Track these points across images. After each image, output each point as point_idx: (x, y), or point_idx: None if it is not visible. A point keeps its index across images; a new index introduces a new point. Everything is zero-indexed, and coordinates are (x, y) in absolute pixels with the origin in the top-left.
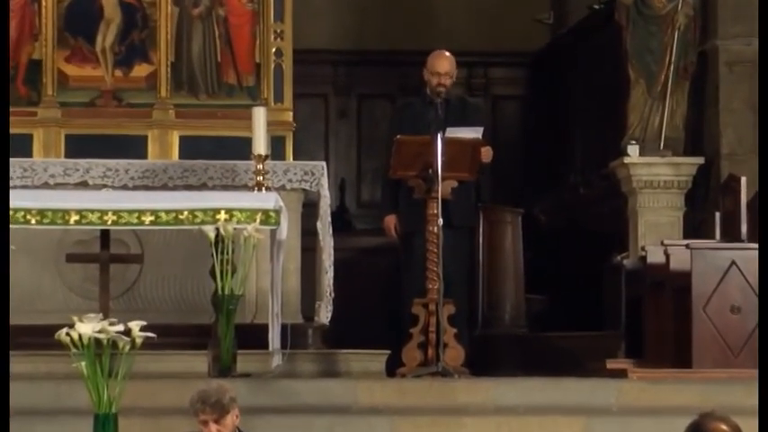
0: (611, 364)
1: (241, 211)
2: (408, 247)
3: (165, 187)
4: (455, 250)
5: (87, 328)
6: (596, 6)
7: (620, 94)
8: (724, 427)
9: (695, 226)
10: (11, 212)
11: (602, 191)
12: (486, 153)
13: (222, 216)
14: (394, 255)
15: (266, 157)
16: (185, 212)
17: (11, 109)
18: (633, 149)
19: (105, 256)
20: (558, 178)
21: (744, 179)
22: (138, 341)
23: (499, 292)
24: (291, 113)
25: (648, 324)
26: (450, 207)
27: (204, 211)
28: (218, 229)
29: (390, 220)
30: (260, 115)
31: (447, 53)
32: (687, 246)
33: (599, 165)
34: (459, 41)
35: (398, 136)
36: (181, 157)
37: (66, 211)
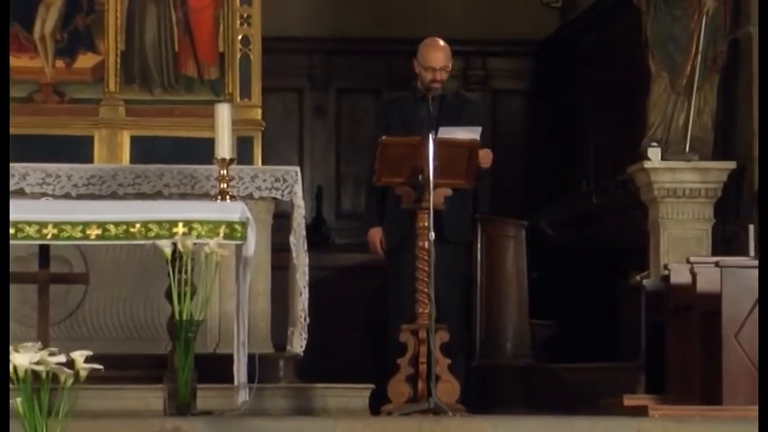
0: (630, 401)
1: (202, 223)
2: (395, 265)
3: (113, 196)
4: (449, 268)
5: (23, 359)
6: None
7: (640, 88)
8: None
9: (726, 240)
10: None
11: (619, 200)
12: (485, 156)
13: (180, 229)
14: (379, 274)
15: (231, 161)
16: (137, 225)
17: None
18: (654, 152)
19: (44, 276)
20: (567, 186)
21: None
22: (83, 374)
23: (500, 316)
24: (260, 111)
25: (672, 354)
26: (443, 219)
27: (159, 223)
28: (174, 245)
29: (375, 234)
30: (224, 113)
31: (442, 42)
32: (716, 263)
33: (615, 170)
34: (454, 27)
35: (384, 137)
36: (132, 160)
37: None
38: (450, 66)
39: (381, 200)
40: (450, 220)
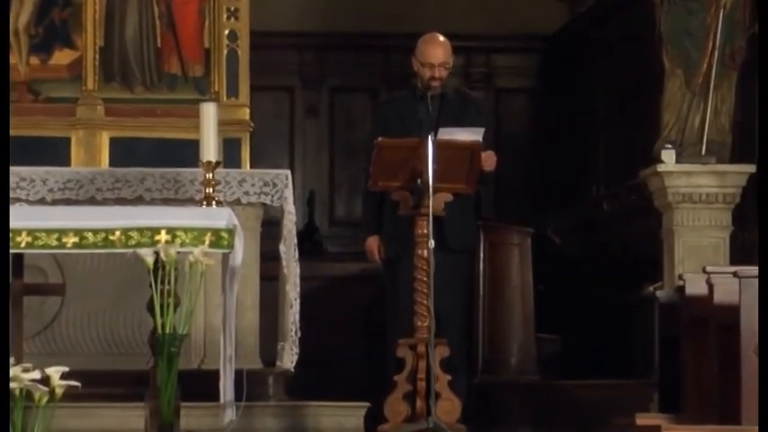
0: (642, 420)
1: (186, 230)
2: (393, 276)
3: (92, 201)
4: (450, 279)
5: None
6: None
7: (653, 86)
8: None
9: (745, 249)
10: None
11: (631, 206)
12: (488, 159)
13: (162, 237)
14: (375, 284)
15: (217, 164)
16: (117, 233)
17: None
18: (668, 155)
19: (18, 287)
20: (576, 191)
21: None
22: (59, 391)
23: (504, 330)
24: (248, 110)
25: (687, 370)
26: (444, 226)
27: (140, 230)
28: (157, 254)
29: (373, 243)
30: (209, 113)
31: (441, 38)
32: (735, 273)
33: (627, 174)
34: (454, 21)
35: (380, 138)
36: (112, 163)
37: None
38: (451, 62)
39: (380, 206)
40: (452, 227)
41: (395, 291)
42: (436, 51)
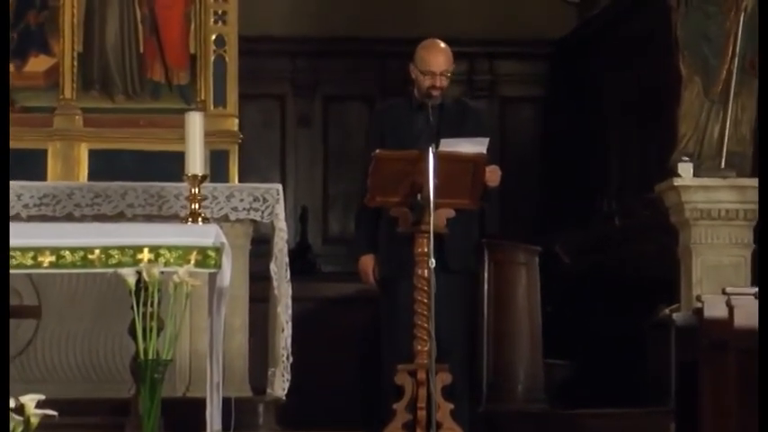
0: None
1: (170, 249)
2: (390, 298)
3: (69, 218)
4: (451, 300)
5: None
6: None
7: (669, 95)
8: None
9: None
10: None
11: (645, 223)
12: (493, 173)
13: (145, 256)
14: (372, 306)
15: (203, 178)
16: (96, 251)
17: None
18: (686, 168)
19: None
20: (586, 206)
21: None
22: (34, 421)
23: (510, 355)
24: (237, 121)
25: (706, 398)
26: (445, 244)
27: (121, 249)
28: (139, 274)
29: (367, 262)
30: (195, 123)
31: (442, 44)
32: (756, 295)
33: (641, 188)
34: (457, 25)
35: (377, 150)
36: (91, 177)
37: None
38: (452, 70)
39: (375, 222)
40: (453, 245)
41: (392, 313)
42: (437, 59)
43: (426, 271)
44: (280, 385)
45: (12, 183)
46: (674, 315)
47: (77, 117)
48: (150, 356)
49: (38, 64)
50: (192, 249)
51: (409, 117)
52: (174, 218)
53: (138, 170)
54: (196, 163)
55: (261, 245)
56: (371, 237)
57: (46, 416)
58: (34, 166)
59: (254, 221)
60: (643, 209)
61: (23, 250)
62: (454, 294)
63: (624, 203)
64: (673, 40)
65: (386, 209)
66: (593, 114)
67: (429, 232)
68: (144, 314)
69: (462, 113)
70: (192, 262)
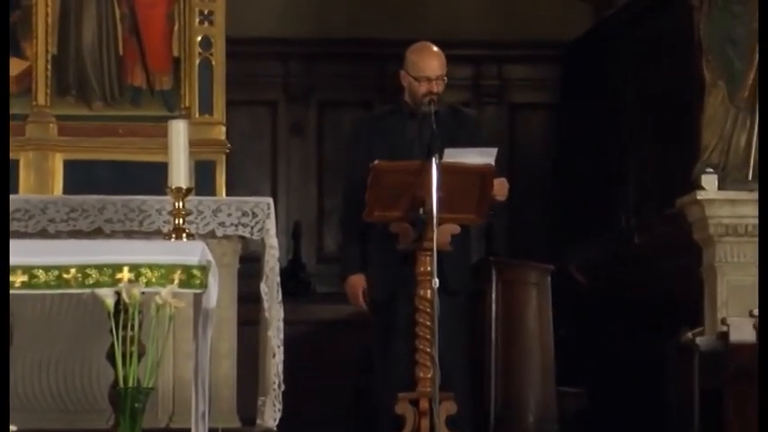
0: None
1: (152, 267)
2: (385, 322)
3: (43, 234)
4: (451, 324)
5: None
6: None
7: (692, 101)
8: None
9: None
10: None
11: (666, 239)
12: (500, 188)
13: (125, 275)
14: (370, 330)
15: (188, 191)
16: (72, 270)
17: None
18: (710, 180)
19: None
20: (602, 222)
21: None
22: None
23: (519, 382)
24: (224, 129)
25: (731, 428)
26: (443, 263)
27: (99, 268)
28: (118, 295)
29: (357, 283)
30: (179, 132)
31: (434, 47)
32: None
33: (661, 203)
34: (462, 26)
35: (376, 161)
36: (66, 190)
37: None
38: (446, 75)
39: (363, 239)
40: (451, 264)
41: (386, 339)
42: (431, 63)
43: (429, 291)
44: (270, 415)
45: None
46: (698, 339)
47: (52, 125)
48: (130, 384)
49: (9, 68)
50: (175, 268)
51: (400, 126)
52: (156, 234)
53: (118, 182)
54: (180, 175)
55: (250, 263)
56: (361, 254)
57: None
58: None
59: (242, 238)
60: (663, 225)
61: None
62: (454, 317)
63: (643, 219)
64: (695, 42)
65: (377, 224)
66: (610, 122)
67: (432, 250)
68: (124, 338)
69: (456, 121)
70: (176, 282)
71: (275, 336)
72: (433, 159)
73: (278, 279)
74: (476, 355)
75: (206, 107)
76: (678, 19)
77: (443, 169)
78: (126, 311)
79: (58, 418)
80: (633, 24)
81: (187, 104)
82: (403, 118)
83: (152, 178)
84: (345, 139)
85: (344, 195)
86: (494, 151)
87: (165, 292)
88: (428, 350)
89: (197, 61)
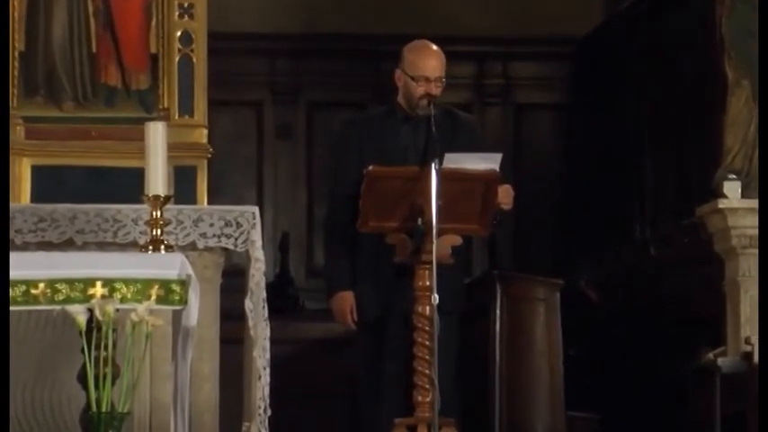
0: None
1: (127, 282)
2: (376, 342)
3: (9, 246)
4: (443, 345)
5: None
6: None
7: (713, 102)
8: None
9: None
10: None
11: (685, 252)
12: (505, 195)
13: (98, 291)
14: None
15: (167, 199)
16: (40, 285)
17: None
18: (732, 187)
19: None
20: (616, 232)
21: None
22: None
23: (526, 407)
24: (206, 132)
25: None
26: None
27: (70, 282)
28: (91, 311)
29: (345, 301)
30: (157, 135)
31: (434, 46)
32: None
33: (680, 211)
34: (464, 22)
35: (371, 167)
36: (34, 198)
37: None
38: (445, 76)
39: (351, 251)
40: (446, 281)
41: (376, 361)
42: (430, 62)
43: (428, 308)
44: None
45: None
46: (719, 360)
47: (18, 128)
48: (104, 408)
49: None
50: (152, 283)
51: (393, 130)
52: (131, 246)
53: (90, 190)
54: (158, 181)
55: (234, 278)
56: (350, 269)
57: None
58: None
59: (225, 250)
60: (682, 236)
61: None
62: (450, 337)
63: (660, 229)
64: (717, 37)
65: (367, 235)
66: (623, 124)
67: (431, 263)
68: (96, 359)
69: (453, 125)
70: (153, 298)
71: (261, 356)
72: (433, 165)
73: (264, 295)
74: (478, 376)
75: (186, 108)
76: (698, 12)
77: (444, 176)
78: (99, 330)
79: None
80: (648, 19)
81: (165, 105)
82: (396, 121)
83: (127, 185)
84: (332, 143)
85: (331, 204)
86: (498, 156)
87: (142, 308)
88: (427, 372)
89: (176, 58)
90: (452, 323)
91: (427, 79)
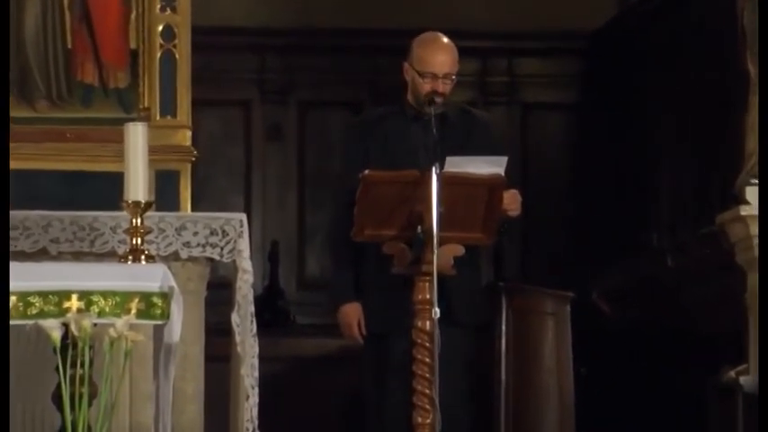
0: None
1: (105, 295)
2: (380, 358)
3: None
4: (455, 361)
5: None
6: None
7: (733, 102)
8: None
9: None
10: None
11: (704, 262)
12: (512, 201)
13: (74, 304)
14: (359, 367)
15: (148, 205)
16: (12, 298)
17: None
18: (754, 193)
19: None
20: (630, 241)
21: None
22: None
23: (534, 428)
24: (190, 133)
25: None
26: (448, 291)
27: (44, 295)
28: (66, 326)
29: (352, 313)
30: (137, 136)
31: (445, 39)
32: None
33: (699, 219)
34: (466, 15)
35: (366, 171)
36: None
37: None
38: (456, 73)
39: (357, 262)
40: (458, 291)
41: (381, 377)
42: (439, 58)
43: (428, 323)
44: None
45: None
46: (741, 378)
47: None
48: (80, 430)
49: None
50: (132, 296)
51: (403, 129)
52: (109, 256)
53: (65, 196)
54: (138, 187)
55: (220, 290)
56: (355, 280)
57: None
58: None
59: (211, 260)
60: (701, 245)
61: None
62: (459, 353)
63: (678, 238)
64: (738, 31)
65: (374, 244)
66: (638, 125)
67: (432, 274)
68: (72, 377)
69: (467, 125)
70: (133, 311)
71: (249, 374)
72: (433, 169)
73: (252, 308)
74: (482, 396)
75: (168, 108)
76: (717, 5)
77: (445, 180)
78: (75, 346)
79: None
80: (665, 12)
81: (146, 105)
82: (406, 121)
83: (105, 191)
84: (336, 146)
85: (335, 211)
86: (503, 160)
87: (121, 323)
88: (427, 391)
89: (158, 54)
90: (466, 336)
91: (434, 76)
